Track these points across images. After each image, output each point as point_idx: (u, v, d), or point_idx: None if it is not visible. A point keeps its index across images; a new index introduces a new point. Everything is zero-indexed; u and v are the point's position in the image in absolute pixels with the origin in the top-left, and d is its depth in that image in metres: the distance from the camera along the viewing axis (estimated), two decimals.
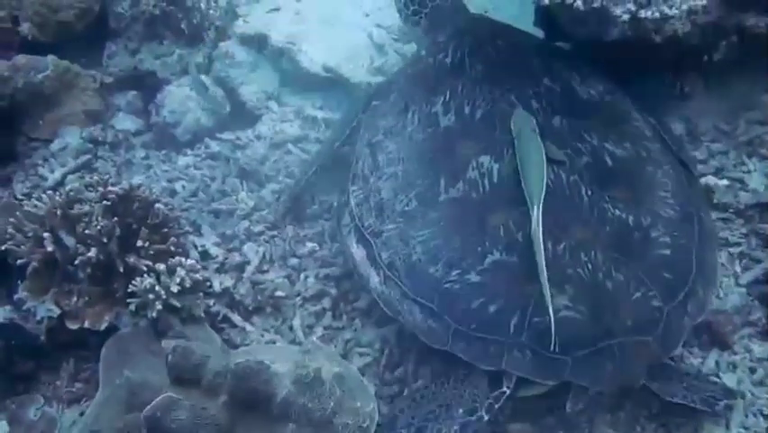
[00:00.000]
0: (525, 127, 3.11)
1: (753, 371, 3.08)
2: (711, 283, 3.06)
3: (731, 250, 3.40)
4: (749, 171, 3.60)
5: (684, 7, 2.97)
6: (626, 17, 2.79)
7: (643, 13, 2.76)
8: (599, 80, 3.52)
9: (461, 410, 2.82)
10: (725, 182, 3.54)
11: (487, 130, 3.22)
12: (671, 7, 2.78)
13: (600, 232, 2.95)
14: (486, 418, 2.80)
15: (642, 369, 2.80)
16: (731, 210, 3.49)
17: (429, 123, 3.32)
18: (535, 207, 2.84)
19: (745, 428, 2.92)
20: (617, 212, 3.00)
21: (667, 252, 2.98)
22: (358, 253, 3.19)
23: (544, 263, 2.73)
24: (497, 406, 2.81)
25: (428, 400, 2.89)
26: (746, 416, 2.94)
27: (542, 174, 2.94)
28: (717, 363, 3.11)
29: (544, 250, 2.76)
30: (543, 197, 2.87)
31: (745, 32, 3.45)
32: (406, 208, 3.11)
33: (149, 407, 2.52)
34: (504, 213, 2.97)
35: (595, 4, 2.79)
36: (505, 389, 2.82)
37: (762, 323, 3.19)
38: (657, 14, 2.76)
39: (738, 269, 3.35)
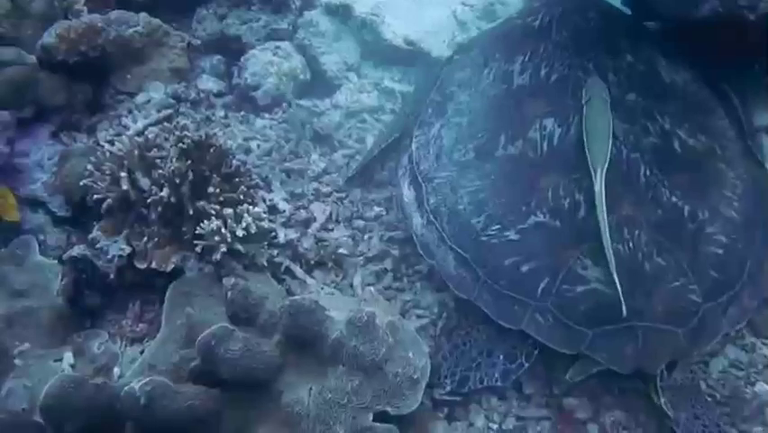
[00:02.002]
0: (596, 95, 3.08)
1: None
2: (759, 294, 2.94)
3: None
4: None
5: None
6: None
7: None
8: (690, 70, 3.42)
9: (501, 357, 2.83)
10: None
11: (558, 94, 3.19)
12: None
13: (650, 214, 2.88)
14: (526, 365, 2.81)
15: (664, 358, 2.73)
16: None
17: (503, 80, 3.32)
18: (599, 172, 2.81)
19: None
20: (674, 199, 2.93)
21: (719, 251, 2.88)
22: (408, 194, 3.24)
23: (607, 227, 2.70)
24: (535, 353, 2.82)
25: (470, 347, 2.89)
26: None
27: (607, 142, 2.91)
28: None
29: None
30: (606, 164, 2.83)
31: None
32: (463, 158, 3.13)
33: (204, 333, 2.57)
34: (556, 177, 2.95)
35: None
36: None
37: None
38: None
39: None
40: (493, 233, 2.91)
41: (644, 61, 3.37)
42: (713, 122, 3.28)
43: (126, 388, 2.47)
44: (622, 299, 2.64)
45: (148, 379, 2.49)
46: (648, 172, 2.96)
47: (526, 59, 3.34)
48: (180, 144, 3.16)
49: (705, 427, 2.75)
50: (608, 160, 2.85)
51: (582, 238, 2.79)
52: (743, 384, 2.91)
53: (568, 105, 3.12)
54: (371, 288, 3.16)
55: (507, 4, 4.53)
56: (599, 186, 2.79)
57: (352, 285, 3.29)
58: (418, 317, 3.17)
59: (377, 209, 3.57)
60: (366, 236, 3.48)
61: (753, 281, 2.90)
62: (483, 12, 4.52)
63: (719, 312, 2.81)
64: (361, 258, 3.39)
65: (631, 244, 2.79)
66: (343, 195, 3.66)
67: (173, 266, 3.16)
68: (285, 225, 3.44)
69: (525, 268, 2.82)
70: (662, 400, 2.75)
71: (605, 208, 2.74)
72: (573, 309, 2.74)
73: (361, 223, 3.54)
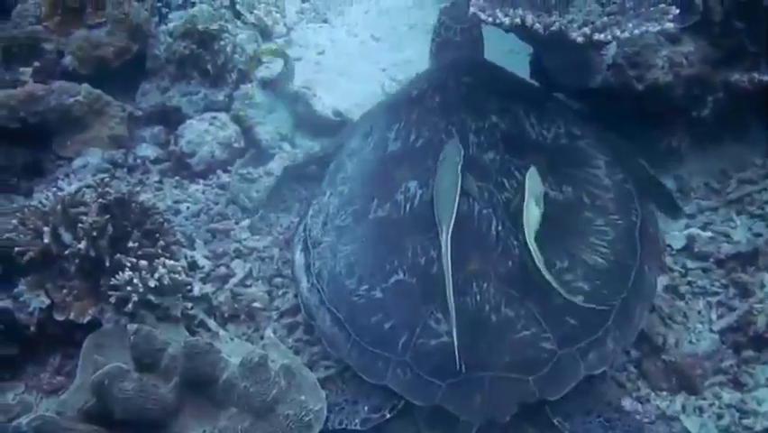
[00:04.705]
0: (449, 158, 3.20)
1: (719, 417, 3.00)
2: (626, 340, 3.01)
3: (709, 299, 3.36)
4: (735, 227, 3.58)
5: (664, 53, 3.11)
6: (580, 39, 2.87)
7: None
8: (568, 124, 3.47)
9: (366, 408, 2.94)
10: (709, 234, 3.53)
11: (421, 158, 3.33)
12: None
13: (500, 267, 2.97)
14: (388, 416, 2.90)
15: (511, 406, 2.81)
16: (711, 260, 3.46)
17: (380, 147, 3.50)
18: (444, 232, 2.94)
19: None
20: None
21: (580, 298, 2.93)
22: (299, 259, 3.41)
23: (451, 287, 2.82)
24: (399, 407, 2.91)
25: (337, 394, 3.03)
26: None
27: (453, 200, 3.02)
28: (683, 406, 3.05)
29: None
30: (452, 223, 2.95)
31: (730, 87, 3.52)
32: (342, 224, 3.30)
33: (97, 373, 2.63)
34: (415, 237, 3.10)
35: (553, 29, 2.91)
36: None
37: (733, 371, 3.12)
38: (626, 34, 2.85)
39: (714, 316, 3.29)
40: (362, 293, 3.06)
41: (511, 121, 3.42)
42: (584, 172, 3.33)
43: (14, 423, 2.51)
44: (457, 352, 2.74)
45: (36, 414, 2.54)
46: (500, 227, 3.06)
47: (401, 126, 3.50)
48: (101, 200, 3.30)
49: (599, 416, 2.88)
50: (453, 217, 2.96)
51: (436, 293, 2.91)
52: None
53: (430, 168, 3.25)
54: (270, 332, 3.25)
55: None
56: (445, 242, 2.91)
57: (262, 337, 3.36)
58: (326, 368, 3.24)
59: None
60: (281, 291, 3.59)
61: (619, 326, 2.97)
62: None
63: (577, 358, 2.86)
64: (276, 313, 3.50)
65: (478, 297, 2.89)
66: (266, 254, 3.79)
67: (90, 318, 3.24)
68: (204, 280, 3.55)
69: (387, 325, 2.96)
70: (556, 419, 2.84)
71: (450, 264, 2.85)
72: (428, 362, 2.85)
73: (279, 280, 3.65)
